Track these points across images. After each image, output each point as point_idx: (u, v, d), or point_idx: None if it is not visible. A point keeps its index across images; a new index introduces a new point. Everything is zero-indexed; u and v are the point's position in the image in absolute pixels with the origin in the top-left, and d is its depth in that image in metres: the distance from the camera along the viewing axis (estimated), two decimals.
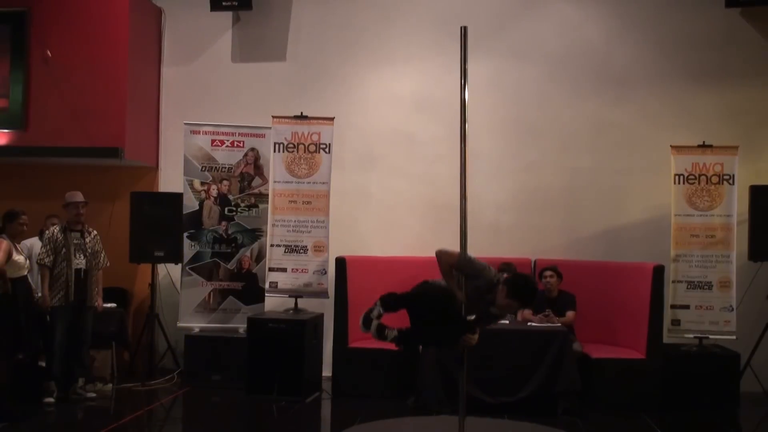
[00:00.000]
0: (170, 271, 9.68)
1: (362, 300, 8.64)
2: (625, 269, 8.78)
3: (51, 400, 7.84)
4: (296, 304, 8.96)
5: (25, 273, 8.00)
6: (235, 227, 9.28)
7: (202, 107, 9.89)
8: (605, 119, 9.51)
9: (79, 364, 8.13)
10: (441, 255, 5.58)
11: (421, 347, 7.26)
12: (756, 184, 8.79)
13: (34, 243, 8.67)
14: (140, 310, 9.87)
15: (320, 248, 8.97)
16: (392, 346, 8.27)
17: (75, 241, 8.07)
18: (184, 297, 9.22)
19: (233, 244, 9.27)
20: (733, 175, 8.71)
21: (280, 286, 8.98)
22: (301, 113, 9.10)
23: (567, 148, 9.56)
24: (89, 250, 8.13)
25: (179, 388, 8.77)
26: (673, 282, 8.68)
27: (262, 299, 9.15)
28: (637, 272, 8.51)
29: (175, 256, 9.19)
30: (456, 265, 5.51)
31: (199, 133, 9.28)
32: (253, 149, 9.31)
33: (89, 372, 8.38)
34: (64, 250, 7.98)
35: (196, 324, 9.17)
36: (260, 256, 9.24)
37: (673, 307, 8.66)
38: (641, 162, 9.41)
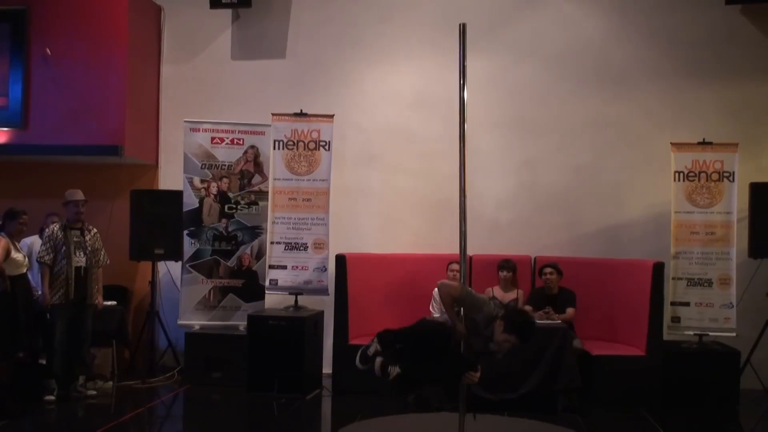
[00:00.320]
0: (170, 269, 9.68)
1: (362, 297, 8.69)
2: (625, 266, 8.78)
3: (51, 397, 7.85)
4: (296, 301, 8.96)
5: (24, 271, 8.01)
6: (235, 225, 9.28)
7: (201, 105, 9.88)
8: (605, 116, 9.50)
9: (79, 361, 8.14)
10: (442, 287, 5.63)
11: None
12: (756, 181, 8.79)
13: (34, 241, 8.68)
14: (140, 308, 9.87)
15: (320, 245, 8.96)
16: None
17: (75, 239, 8.06)
18: (184, 294, 9.22)
19: (233, 242, 9.27)
20: (733, 172, 8.71)
21: (280, 283, 8.99)
22: (301, 111, 9.10)
23: (567, 145, 9.55)
24: (89, 248, 8.13)
25: (180, 385, 8.78)
26: (673, 279, 8.68)
27: (262, 297, 9.15)
28: (637, 269, 8.51)
29: (176, 254, 9.19)
30: (457, 297, 5.52)
31: (198, 130, 9.27)
32: (252, 147, 9.31)
33: (90, 370, 8.38)
34: (64, 248, 7.98)
35: (197, 321, 9.17)
36: (260, 254, 9.24)
37: (673, 304, 8.66)
38: (641, 159, 9.41)
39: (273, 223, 9.05)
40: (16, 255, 7.88)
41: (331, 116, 9.08)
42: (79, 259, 8.05)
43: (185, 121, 9.28)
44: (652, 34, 9.49)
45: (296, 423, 7.61)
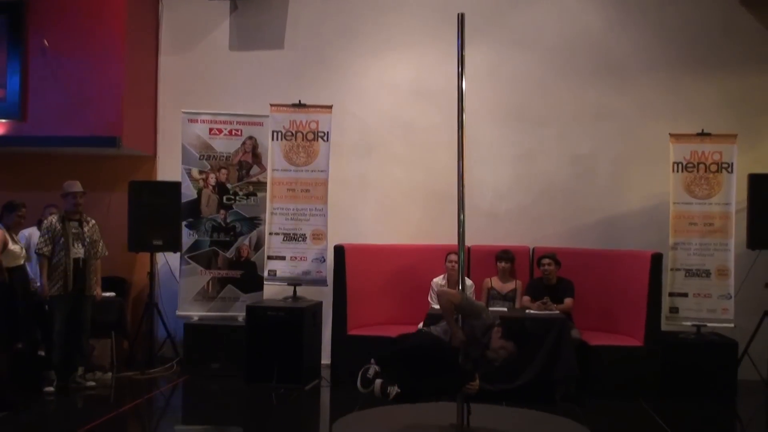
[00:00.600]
0: (169, 260, 9.68)
1: (361, 288, 8.70)
2: (624, 257, 8.79)
3: (51, 389, 7.85)
4: (295, 292, 8.96)
5: (22, 262, 8.02)
6: (233, 216, 9.28)
7: (199, 96, 9.87)
8: (604, 107, 9.50)
9: (78, 353, 8.14)
10: (442, 294, 5.69)
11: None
12: (754, 172, 8.79)
13: (32, 232, 8.68)
14: (139, 299, 9.87)
15: (319, 236, 8.97)
16: (391, 334, 8.30)
17: (73, 231, 8.06)
18: (182, 286, 9.22)
19: (232, 233, 9.27)
20: (732, 164, 8.71)
21: (278, 274, 8.99)
22: (299, 101, 9.09)
23: (566, 136, 9.55)
24: (88, 240, 8.13)
25: (178, 376, 8.79)
26: (672, 270, 8.69)
27: (260, 287, 9.16)
28: (635, 260, 8.52)
29: (174, 245, 9.19)
30: (458, 305, 5.56)
31: (196, 121, 9.26)
32: (251, 137, 9.30)
33: (89, 361, 8.39)
34: (62, 239, 7.97)
35: (195, 312, 9.18)
36: (259, 245, 9.25)
37: (671, 294, 8.67)
38: (640, 150, 9.41)
39: (271, 214, 9.05)
40: (14, 247, 7.89)
41: (330, 107, 9.07)
42: (78, 251, 8.04)
43: (183, 112, 9.27)
44: (651, 25, 9.48)
45: (295, 413, 7.62)
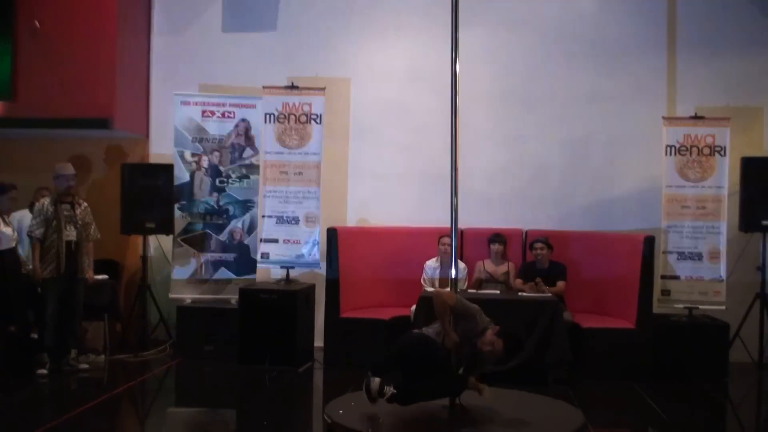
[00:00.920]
0: (162, 243, 9.66)
1: (354, 270, 8.71)
2: (616, 240, 8.81)
3: (44, 371, 7.85)
4: (288, 274, 8.96)
5: (14, 245, 7.98)
6: (226, 198, 9.26)
7: (192, 77, 9.81)
8: (598, 90, 9.49)
9: (71, 335, 8.13)
10: (437, 296, 5.60)
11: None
12: (747, 155, 8.81)
13: (24, 215, 8.64)
14: (132, 282, 9.85)
15: (312, 219, 8.95)
16: (383, 316, 8.32)
17: (65, 213, 8.03)
18: (175, 268, 9.21)
19: (225, 216, 9.26)
20: (725, 147, 8.72)
21: (271, 257, 8.98)
22: (292, 84, 9.05)
23: (559, 118, 9.54)
24: (80, 222, 8.10)
25: (171, 359, 8.79)
26: (664, 253, 8.72)
27: (253, 270, 9.16)
28: (628, 243, 8.54)
29: (167, 228, 9.17)
30: (452, 306, 5.53)
31: (189, 103, 9.23)
32: (243, 120, 9.27)
33: (82, 343, 8.39)
34: (54, 222, 7.94)
35: (188, 295, 9.18)
36: (252, 227, 9.23)
37: (663, 277, 8.70)
38: (633, 133, 9.41)
39: (264, 196, 9.03)
40: (5, 229, 7.86)
41: (323, 89, 9.04)
42: (70, 233, 8.02)
43: (175, 94, 9.23)
44: (646, 8, 9.46)
45: (288, 395, 7.64)
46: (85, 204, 8.28)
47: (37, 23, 9.31)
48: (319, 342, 8.84)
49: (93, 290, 8.48)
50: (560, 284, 8.43)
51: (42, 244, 7.93)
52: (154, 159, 9.91)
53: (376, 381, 5.59)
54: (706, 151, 8.75)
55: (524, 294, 8.19)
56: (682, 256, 8.72)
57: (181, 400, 7.91)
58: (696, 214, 8.72)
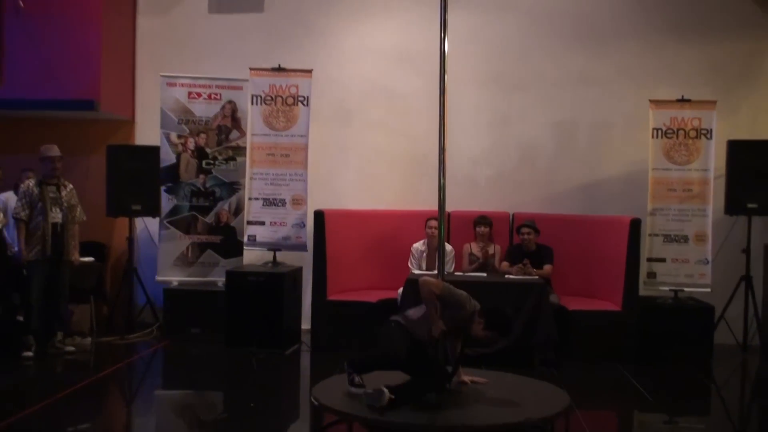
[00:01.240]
0: (148, 225, 9.63)
1: (341, 253, 8.71)
2: (603, 223, 8.84)
3: (29, 354, 7.83)
4: (275, 257, 8.96)
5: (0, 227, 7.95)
6: (212, 180, 9.23)
7: (178, 59, 9.75)
8: (585, 73, 9.49)
9: (57, 318, 8.11)
10: (424, 284, 5.50)
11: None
12: (733, 138, 8.84)
13: (9, 197, 8.60)
14: (118, 264, 9.83)
15: (299, 201, 8.94)
16: (371, 299, 8.32)
17: (51, 195, 7.99)
18: (162, 251, 9.19)
19: (211, 198, 9.23)
20: (711, 130, 8.76)
21: (258, 239, 8.97)
22: (279, 65, 9.01)
23: (547, 102, 9.54)
24: (65, 204, 8.07)
25: (158, 341, 8.78)
26: (650, 235, 8.76)
27: (240, 253, 9.14)
28: (614, 226, 8.56)
29: (153, 210, 9.14)
30: (439, 294, 5.48)
31: (175, 85, 9.18)
32: (230, 102, 9.23)
33: (68, 326, 8.36)
34: (40, 203, 7.90)
35: (175, 278, 9.16)
36: (238, 210, 9.21)
37: (649, 260, 8.75)
38: (620, 116, 9.44)
39: (251, 179, 9.01)
40: None
41: (310, 71, 9.00)
42: (56, 215, 7.98)
43: (162, 76, 9.18)
44: None
45: (275, 378, 7.65)
46: (71, 186, 8.24)
47: (21, 3, 9.21)
48: (306, 324, 8.85)
49: (79, 273, 8.47)
50: (547, 267, 8.45)
51: (27, 226, 7.89)
52: (139, 141, 9.86)
53: (385, 395, 5.42)
54: (693, 134, 8.78)
55: (511, 277, 8.21)
56: (668, 238, 8.76)
57: (168, 383, 7.90)
58: (682, 197, 8.76)
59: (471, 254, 8.67)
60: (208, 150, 9.21)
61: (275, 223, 8.96)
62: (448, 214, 8.44)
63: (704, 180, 8.75)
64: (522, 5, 9.56)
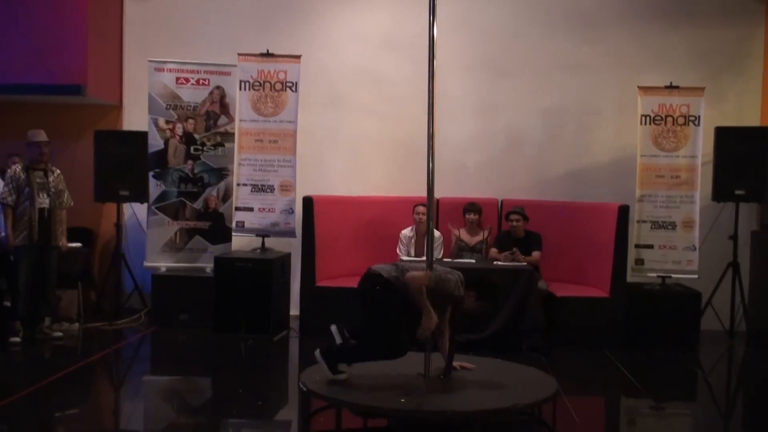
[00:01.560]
0: (136, 211, 9.60)
1: (329, 239, 8.71)
2: (591, 209, 8.86)
3: (17, 339, 7.81)
4: (263, 243, 8.94)
5: None
6: (201, 166, 9.20)
7: (166, 44, 9.69)
8: (574, 59, 9.49)
9: (44, 303, 8.09)
10: (412, 281, 5.45)
11: None
12: (721, 125, 8.86)
13: None
14: (106, 250, 9.80)
15: (287, 187, 8.92)
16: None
17: (38, 180, 7.95)
18: (150, 236, 9.16)
19: (199, 184, 9.20)
20: (699, 117, 8.77)
21: (247, 225, 8.96)
22: (267, 51, 8.97)
23: (535, 88, 9.54)
24: (53, 190, 8.03)
25: (146, 327, 8.77)
26: (638, 222, 8.78)
27: (229, 239, 9.13)
28: (602, 212, 8.59)
29: (141, 196, 9.11)
30: (429, 287, 5.46)
31: (163, 70, 9.14)
32: (218, 87, 9.19)
33: (55, 311, 8.34)
34: (27, 189, 7.87)
35: (163, 264, 9.14)
36: (227, 196, 9.19)
37: (637, 246, 8.77)
38: (608, 103, 9.45)
39: (239, 164, 8.98)
40: None
41: (298, 57, 8.97)
42: (43, 201, 7.95)
43: (149, 61, 9.13)
44: None
45: (263, 364, 7.66)
46: (58, 171, 8.20)
47: None
48: (294, 311, 8.85)
49: (67, 258, 8.43)
50: (535, 254, 8.47)
51: (14, 211, 7.85)
52: (127, 126, 9.81)
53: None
54: (681, 120, 8.80)
55: (499, 263, 8.22)
56: (655, 225, 8.79)
57: (156, 368, 7.90)
58: (670, 183, 8.79)
59: (459, 240, 8.67)
60: (196, 136, 9.18)
61: (264, 209, 8.94)
62: (437, 201, 8.45)
63: (692, 167, 8.78)
64: None
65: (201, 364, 7.72)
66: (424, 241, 8.36)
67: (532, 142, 9.58)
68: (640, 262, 8.79)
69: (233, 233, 9.06)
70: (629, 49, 9.44)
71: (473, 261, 8.29)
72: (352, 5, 9.70)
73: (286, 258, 8.83)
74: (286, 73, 8.94)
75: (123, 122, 9.91)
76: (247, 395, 6.44)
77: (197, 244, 9.19)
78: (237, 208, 8.97)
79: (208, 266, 8.87)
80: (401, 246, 8.67)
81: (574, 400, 6.25)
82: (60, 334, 8.16)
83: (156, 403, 6.61)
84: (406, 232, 8.70)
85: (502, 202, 9.11)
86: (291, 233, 8.96)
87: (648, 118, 8.83)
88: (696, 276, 8.71)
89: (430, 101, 5.64)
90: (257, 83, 8.95)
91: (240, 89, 8.97)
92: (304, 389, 5.44)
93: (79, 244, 8.94)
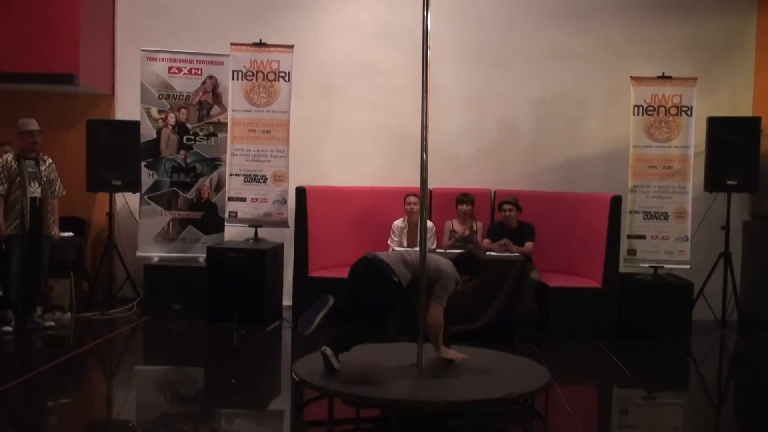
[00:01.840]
0: (128, 201, 9.57)
1: (322, 229, 8.70)
2: (584, 200, 8.87)
3: (9, 328, 7.79)
4: (256, 233, 8.94)
5: None
6: (193, 156, 9.18)
7: (158, 33, 9.64)
8: (567, 50, 9.49)
9: (36, 292, 8.07)
10: (432, 321, 5.63)
11: None
12: (713, 115, 8.87)
13: None
14: (98, 240, 9.77)
15: (280, 178, 8.91)
16: None
17: (30, 170, 7.93)
18: (142, 226, 9.15)
19: (192, 174, 9.18)
20: (692, 107, 8.78)
21: (239, 215, 8.95)
22: (260, 40, 8.94)
23: (528, 78, 9.53)
24: (44, 179, 8.01)
25: (139, 317, 8.76)
26: (630, 212, 8.80)
27: (221, 229, 9.12)
28: (595, 203, 8.60)
29: (133, 185, 9.09)
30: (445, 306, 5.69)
31: (155, 60, 9.11)
32: (211, 77, 9.17)
33: (47, 301, 8.34)
34: (18, 178, 7.84)
35: (156, 253, 9.13)
36: (219, 186, 9.18)
37: (629, 237, 8.79)
38: (601, 93, 9.46)
39: (232, 154, 8.96)
40: None
41: (291, 47, 8.94)
42: (35, 190, 7.93)
43: (142, 50, 9.10)
44: None
45: (256, 354, 7.66)
46: (50, 160, 8.18)
47: None
48: (287, 301, 8.85)
49: (59, 248, 8.42)
50: (528, 245, 8.47)
51: (6, 200, 7.83)
52: (119, 116, 9.77)
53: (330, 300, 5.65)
54: (673, 111, 8.80)
55: (492, 254, 8.23)
56: (648, 215, 8.81)
57: (148, 358, 7.89)
58: (662, 174, 8.80)
59: (452, 231, 8.68)
60: (188, 125, 9.16)
61: (256, 199, 8.93)
62: (430, 191, 8.44)
63: (684, 157, 8.79)
64: None
65: (193, 354, 7.72)
66: (416, 231, 8.37)
67: (525, 133, 9.58)
68: (632, 252, 8.81)
69: (226, 223, 9.05)
70: (622, 39, 9.44)
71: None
72: None
73: (278, 248, 8.83)
74: (279, 63, 8.92)
75: (115, 112, 9.87)
76: (239, 385, 6.45)
77: (190, 234, 9.18)
78: (230, 198, 8.96)
79: (201, 256, 8.86)
80: (393, 237, 8.66)
81: (567, 390, 6.28)
82: (52, 323, 8.15)
83: (148, 393, 6.61)
84: (398, 223, 8.70)
85: (495, 192, 9.12)
86: (284, 223, 8.96)
87: (641, 108, 8.83)
88: (688, 266, 8.73)
89: (424, 93, 5.63)
90: (250, 73, 8.92)
91: (233, 79, 8.95)
92: (297, 379, 5.44)
93: (71, 234, 8.92)
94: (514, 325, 7.86)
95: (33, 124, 7.98)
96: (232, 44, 8.93)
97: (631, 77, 8.86)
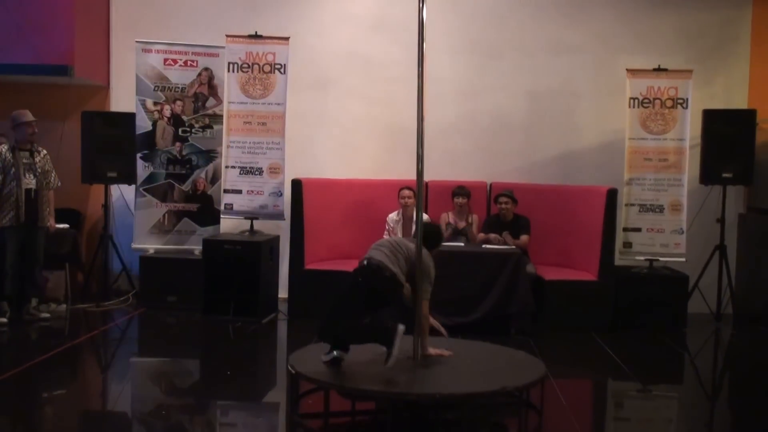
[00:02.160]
0: (124, 192, 9.55)
1: (318, 222, 8.69)
2: (580, 192, 8.87)
3: (4, 320, 7.79)
4: (252, 226, 8.93)
5: None
6: (189, 148, 9.17)
7: (154, 24, 9.61)
8: (562, 42, 9.48)
9: (31, 284, 8.07)
10: (424, 309, 5.63)
11: None
12: (709, 108, 8.88)
13: None
14: (94, 232, 9.76)
15: (276, 170, 8.90)
16: (348, 268, 8.30)
17: (24, 161, 7.91)
18: (138, 218, 9.14)
19: (188, 166, 9.17)
20: (687, 99, 8.78)
21: (235, 207, 8.94)
22: (256, 32, 8.92)
23: (524, 70, 9.52)
24: (39, 170, 7.99)
25: (134, 309, 8.75)
26: (626, 205, 8.81)
27: (217, 221, 9.11)
28: (590, 195, 8.60)
29: (129, 177, 9.07)
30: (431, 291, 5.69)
31: (151, 51, 9.08)
32: (206, 69, 9.15)
33: (42, 292, 8.33)
34: (13, 169, 7.82)
35: (151, 245, 9.12)
36: (215, 178, 9.16)
37: (625, 230, 8.80)
38: (597, 85, 9.44)
39: (228, 147, 8.95)
40: None
41: (287, 39, 8.92)
42: (29, 181, 7.91)
43: (137, 42, 9.07)
44: None
45: (252, 346, 7.66)
46: (45, 152, 8.16)
47: None
48: (283, 293, 8.84)
49: (54, 239, 8.41)
50: (524, 238, 8.47)
51: (1, 192, 7.81)
52: (115, 107, 9.75)
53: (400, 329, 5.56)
54: (669, 103, 8.81)
55: (488, 246, 8.23)
56: (643, 208, 8.81)
57: (143, 350, 7.89)
58: (658, 166, 8.81)
59: (448, 224, 8.67)
60: (184, 117, 9.14)
61: (252, 191, 8.92)
62: (426, 184, 8.43)
63: (680, 149, 8.79)
64: None
65: (189, 346, 7.72)
66: (410, 224, 8.37)
67: (520, 125, 9.56)
68: (628, 245, 8.82)
69: (222, 215, 9.04)
70: (617, 31, 9.43)
71: (461, 244, 8.29)
72: None
73: (274, 240, 8.82)
74: (274, 55, 8.90)
75: (110, 103, 9.84)
76: (235, 377, 6.45)
77: (185, 226, 9.17)
78: (225, 191, 8.95)
79: (197, 248, 8.85)
80: (388, 230, 8.65)
81: (562, 383, 6.28)
82: (47, 315, 8.15)
83: (144, 385, 6.62)
84: (393, 216, 8.69)
85: (491, 185, 9.11)
86: (279, 216, 8.95)
87: (636, 100, 8.83)
88: (683, 259, 8.74)
89: (420, 85, 5.62)
90: (246, 65, 8.91)
91: (228, 71, 8.93)
92: (293, 371, 5.44)
93: (66, 226, 8.90)
94: (510, 318, 7.86)
95: (28, 116, 7.96)
96: (227, 36, 8.91)
97: (626, 69, 8.85)
